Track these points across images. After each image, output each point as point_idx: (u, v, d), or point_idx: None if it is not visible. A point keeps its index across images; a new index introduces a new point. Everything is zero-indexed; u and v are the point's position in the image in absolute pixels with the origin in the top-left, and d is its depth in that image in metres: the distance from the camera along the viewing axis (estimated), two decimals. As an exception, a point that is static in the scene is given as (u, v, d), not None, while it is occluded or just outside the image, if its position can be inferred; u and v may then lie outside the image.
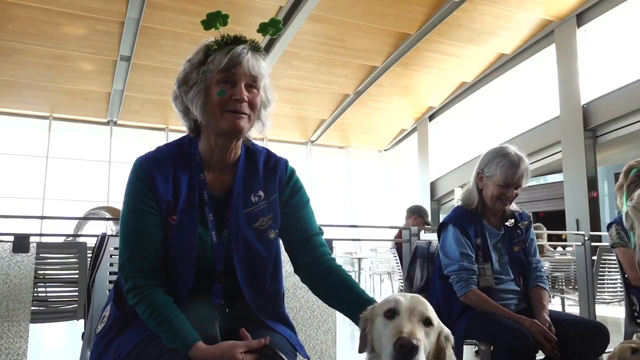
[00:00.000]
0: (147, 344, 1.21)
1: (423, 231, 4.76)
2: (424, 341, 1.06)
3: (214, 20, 1.32)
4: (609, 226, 2.69)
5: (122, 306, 1.32)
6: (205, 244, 1.31)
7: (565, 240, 8.55)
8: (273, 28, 1.39)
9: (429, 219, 5.67)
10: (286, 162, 1.46)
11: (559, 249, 7.68)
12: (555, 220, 10.99)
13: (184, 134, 1.43)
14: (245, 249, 1.33)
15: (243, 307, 1.33)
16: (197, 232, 1.30)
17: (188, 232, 1.29)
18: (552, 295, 5.12)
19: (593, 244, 3.94)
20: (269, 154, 1.45)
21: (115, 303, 1.34)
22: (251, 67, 1.29)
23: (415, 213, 5.50)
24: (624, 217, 2.54)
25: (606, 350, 1.97)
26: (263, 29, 1.39)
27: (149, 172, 1.30)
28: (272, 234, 1.37)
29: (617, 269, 2.86)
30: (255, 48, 1.33)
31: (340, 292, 1.36)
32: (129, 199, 1.30)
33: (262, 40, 1.41)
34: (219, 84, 1.28)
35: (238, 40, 1.32)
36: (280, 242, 1.44)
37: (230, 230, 1.33)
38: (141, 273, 1.26)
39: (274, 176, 1.41)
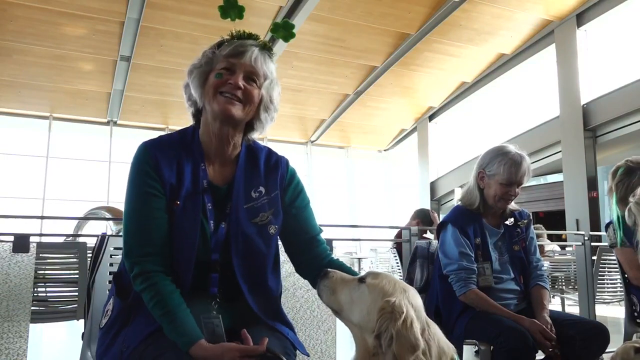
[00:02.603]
0: (154, 340, 1.21)
1: (428, 231, 4.77)
2: (348, 293, 1.23)
3: (230, 9, 1.37)
4: (606, 226, 2.69)
5: (126, 297, 1.31)
6: (205, 232, 1.31)
7: (565, 240, 8.55)
8: (285, 31, 1.42)
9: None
10: (287, 161, 1.48)
11: (558, 248, 7.68)
12: (555, 220, 10.99)
13: None
14: (244, 244, 1.34)
15: (242, 305, 1.34)
16: (199, 219, 1.30)
17: (191, 218, 1.29)
18: (552, 295, 5.12)
19: (593, 244, 3.95)
20: (270, 152, 1.47)
21: (118, 294, 1.34)
22: (253, 60, 1.32)
23: (420, 217, 5.49)
24: (616, 216, 2.55)
25: (606, 350, 1.97)
26: (275, 30, 1.42)
27: (153, 155, 1.31)
28: (272, 230, 1.38)
29: (617, 269, 2.86)
30: (264, 47, 1.36)
31: None
32: (134, 183, 1.30)
33: (264, 36, 1.42)
34: (219, 69, 1.32)
35: (251, 36, 1.36)
36: (279, 241, 1.45)
37: (229, 224, 1.33)
38: (149, 258, 1.25)
39: (275, 173, 1.42)
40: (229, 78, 1.30)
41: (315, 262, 1.42)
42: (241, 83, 1.30)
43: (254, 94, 1.34)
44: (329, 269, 1.31)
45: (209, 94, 1.32)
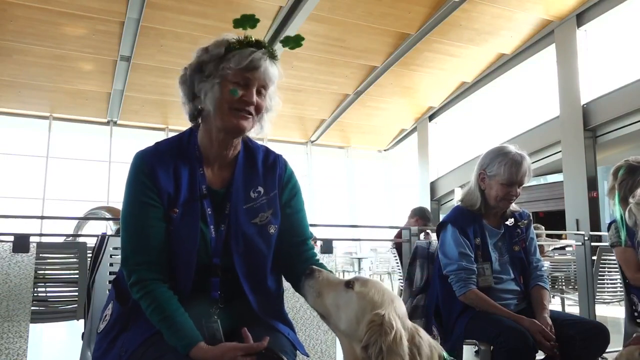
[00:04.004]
0: (154, 342, 1.21)
1: (425, 231, 4.76)
2: (334, 298, 1.21)
3: (246, 22, 1.37)
4: (609, 226, 2.69)
5: (125, 302, 1.32)
6: (205, 237, 1.31)
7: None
8: (294, 43, 1.43)
9: (431, 223, 5.66)
10: (285, 161, 1.48)
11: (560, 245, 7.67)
12: (555, 220, 10.99)
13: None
14: (244, 245, 1.34)
15: (243, 305, 1.34)
16: (198, 226, 1.30)
17: (190, 225, 1.30)
18: (552, 295, 5.11)
19: (593, 244, 3.94)
20: (267, 151, 1.47)
21: (118, 299, 1.34)
22: (266, 74, 1.33)
23: (419, 215, 5.51)
24: (619, 215, 2.54)
25: (607, 350, 1.97)
26: (286, 42, 1.43)
27: (149, 165, 1.31)
28: (272, 229, 1.38)
29: (617, 269, 2.86)
30: (272, 55, 1.37)
31: None
32: (131, 192, 1.31)
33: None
34: (233, 83, 1.31)
35: (259, 44, 1.35)
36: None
37: (229, 225, 1.34)
38: (145, 266, 1.26)
39: (274, 173, 1.43)
40: (243, 94, 1.31)
41: (301, 266, 1.39)
42: (255, 99, 1.32)
43: (263, 105, 1.36)
44: (314, 267, 1.28)
45: (222, 109, 1.31)
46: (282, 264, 1.44)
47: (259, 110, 1.35)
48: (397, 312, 1.16)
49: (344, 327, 1.18)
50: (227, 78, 1.31)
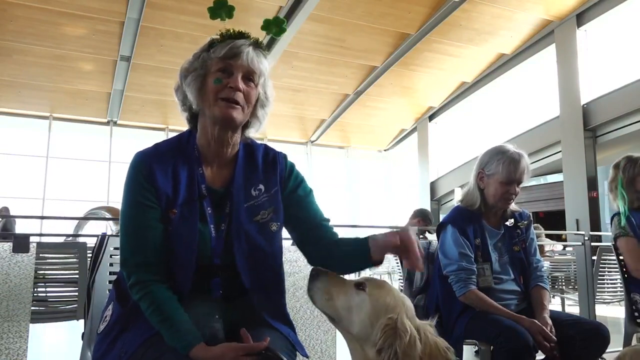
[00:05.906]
0: (153, 343, 1.20)
1: (427, 232, 4.77)
2: (345, 300, 1.20)
3: (219, 9, 1.36)
4: (611, 219, 2.71)
5: (125, 303, 1.31)
6: (205, 238, 1.31)
7: (565, 240, 8.55)
8: (276, 27, 1.41)
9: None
10: (285, 156, 1.47)
11: (559, 247, 7.68)
12: (555, 220, 10.99)
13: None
14: (247, 243, 1.33)
15: (244, 304, 1.33)
16: (197, 226, 1.30)
17: (188, 225, 1.29)
18: (552, 295, 5.12)
19: (593, 244, 3.94)
20: (267, 149, 1.46)
21: (118, 300, 1.34)
22: (250, 61, 1.31)
23: (420, 217, 5.52)
24: (622, 203, 2.60)
25: (607, 351, 1.97)
26: (266, 26, 1.41)
27: (148, 166, 1.31)
28: (274, 227, 1.37)
29: (617, 269, 2.86)
30: (257, 45, 1.35)
31: (348, 249, 1.37)
32: (129, 193, 1.31)
33: (262, 38, 1.43)
34: (216, 72, 1.31)
35: (242, 35, 1.35)
36: (282, 238, 1.44)
37: (231, 224, 1.33)
38: (144, 267, 1.26)
39: (274, 170, 1.42)
40: (228, 82, 1.30)
41: (325, 249, 1.40)
42: (241, 85, 1.30)
43: (252, 94, 1.34)
44: (319, 268, 1.27)
45: (208, 100, 1.31)
46: (309, 255, 1.44)
47: (248, 99, 1.33)
48: (408, 314, 1.16)
49: (356, 331, 1.17)
50: (209, 70, 1.31)
